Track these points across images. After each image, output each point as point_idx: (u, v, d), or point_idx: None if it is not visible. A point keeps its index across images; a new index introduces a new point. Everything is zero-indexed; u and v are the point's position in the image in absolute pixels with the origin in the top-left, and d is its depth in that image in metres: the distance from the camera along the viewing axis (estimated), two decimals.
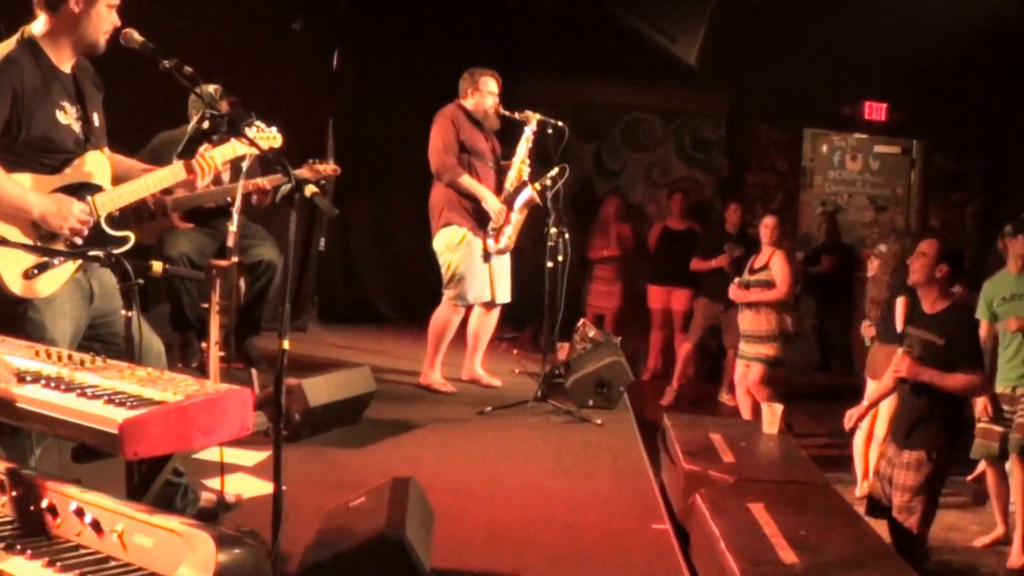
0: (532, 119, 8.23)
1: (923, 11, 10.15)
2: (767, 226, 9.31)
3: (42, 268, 3.98)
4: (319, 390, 6.65)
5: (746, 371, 9.30)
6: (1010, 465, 7.13)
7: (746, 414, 9.10)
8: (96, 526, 2.46)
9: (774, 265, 9.07)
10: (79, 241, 4.16)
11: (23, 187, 4.05)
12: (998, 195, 12.24)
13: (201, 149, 4.73)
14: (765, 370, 9.09)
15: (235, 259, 6.62)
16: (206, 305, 7.16)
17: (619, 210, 12.50)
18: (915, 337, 6.07)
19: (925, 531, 6.01)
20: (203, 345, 7.28)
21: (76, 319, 4.29)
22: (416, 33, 11.83)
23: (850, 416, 6.52)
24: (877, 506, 6.17)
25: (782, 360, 9.22)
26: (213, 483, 4.99)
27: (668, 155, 13.70)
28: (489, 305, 8.50)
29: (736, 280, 9.38)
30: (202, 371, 7.21)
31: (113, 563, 2.41)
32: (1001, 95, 12.24)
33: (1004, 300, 7.47)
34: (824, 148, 13.17)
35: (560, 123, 8.17)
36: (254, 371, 7.47)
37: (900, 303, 7.75)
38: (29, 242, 4.05)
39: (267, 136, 5.11)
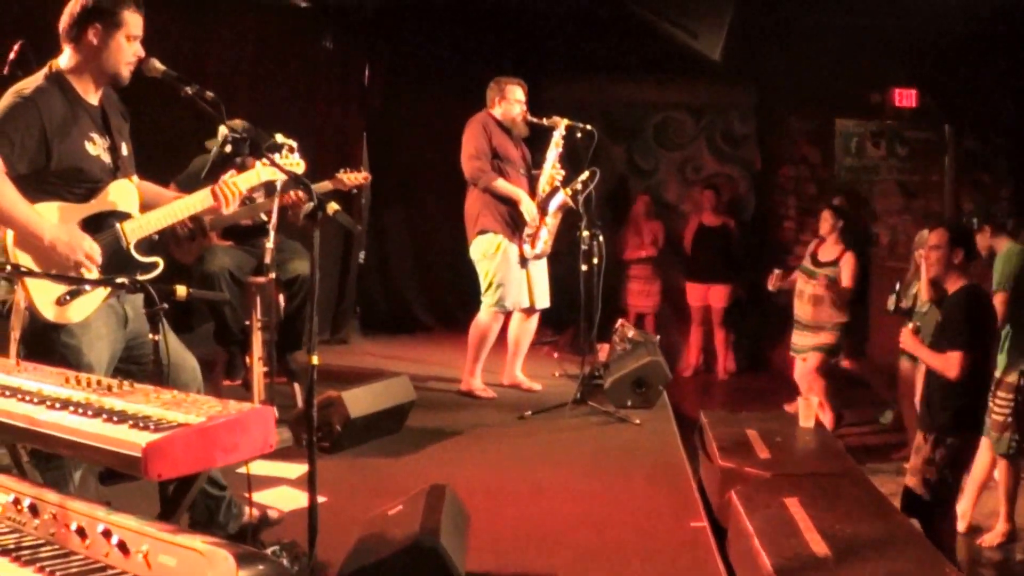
0: (560, 124, 8.26)
1: None
2: (825, 219, 9.74)
3: (74, 294, 4.08)
4: (359, 401, 6.74)
5: (803, 364, 9.52)
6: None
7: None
8: (122, 547, 2.52)
9: (844, 264, 9.52)
10: (86, 273, 4.25)
11: (38, 213, 4.13)
12: None
13: (225, 176, 4.80)
14: (823, 358, 9.52)
15: (272, 275, 6.71)
16: (248, 322, 7.29)
17: (649, 208, 12.57)
18: (931, 316, 6.21)
19: (948, 510, 6.10)
20: (247, 361, 7.39)
21: (112, 343, 4.39)
22: (443, 45, 11.89)
23: None
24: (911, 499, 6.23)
25: (840, 348, 9.47)
26: (258, 496, 5.10)
27: (700, 152, 13.63)
28: (529, 311, 8.55)
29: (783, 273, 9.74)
30: (247, 387, 7.33)
31: None
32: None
33: None
34: (838, 135, 13.10)
35: (588, 127, 8.16)
36: (297, 385, 7.56)
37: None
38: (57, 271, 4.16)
39: (291, 163, 5.19)
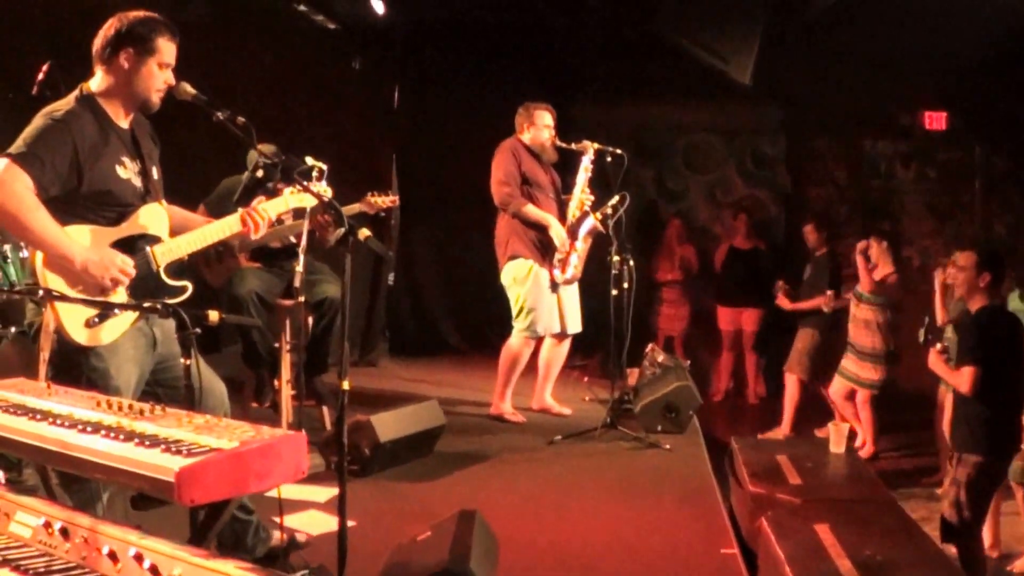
0: (589, 148, 8.21)
1: (972, 14, 10.02)
2: (872, 247, 9.84)
3: (103, 316, 4.09)
4: (388, 425, 6.73)
5: (842, 388, 9.66)
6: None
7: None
8: (155, 571, 2.51)
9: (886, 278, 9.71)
10: (117, 290, 4.26)
11: (69, 236, 4.14)
12: None
13: (255, 202, 4.80)
14: (871, 395, 9.69)
15: (301, 299, 6.71)
16: (277, 345, 7.30)
17: (680, 232, 12.52)
18: (953, 337, 6.23)
19: (975, 532, 6.05)
20: (276, 383, 7.40)
21: (141, 365, 4.40)
22: (472, 67, 11.92)
23: None
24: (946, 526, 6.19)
25: (887, 383, 9.60)
26: (288, 520, 5.09)
27: (729, 174, 13.52)
28: (560, 336, 8.50)
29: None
30: (275, 410, 7.34)
31: None
32: None
33: None
34: (867, 156, 13.08)
35: (618, 151, 8.10)
36: (325, 408, 7.56)
37: None
38: (87, 294, 4.16)
39: (320, 189, 5.21)
